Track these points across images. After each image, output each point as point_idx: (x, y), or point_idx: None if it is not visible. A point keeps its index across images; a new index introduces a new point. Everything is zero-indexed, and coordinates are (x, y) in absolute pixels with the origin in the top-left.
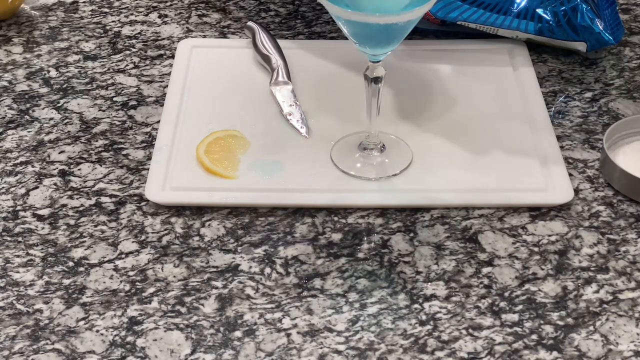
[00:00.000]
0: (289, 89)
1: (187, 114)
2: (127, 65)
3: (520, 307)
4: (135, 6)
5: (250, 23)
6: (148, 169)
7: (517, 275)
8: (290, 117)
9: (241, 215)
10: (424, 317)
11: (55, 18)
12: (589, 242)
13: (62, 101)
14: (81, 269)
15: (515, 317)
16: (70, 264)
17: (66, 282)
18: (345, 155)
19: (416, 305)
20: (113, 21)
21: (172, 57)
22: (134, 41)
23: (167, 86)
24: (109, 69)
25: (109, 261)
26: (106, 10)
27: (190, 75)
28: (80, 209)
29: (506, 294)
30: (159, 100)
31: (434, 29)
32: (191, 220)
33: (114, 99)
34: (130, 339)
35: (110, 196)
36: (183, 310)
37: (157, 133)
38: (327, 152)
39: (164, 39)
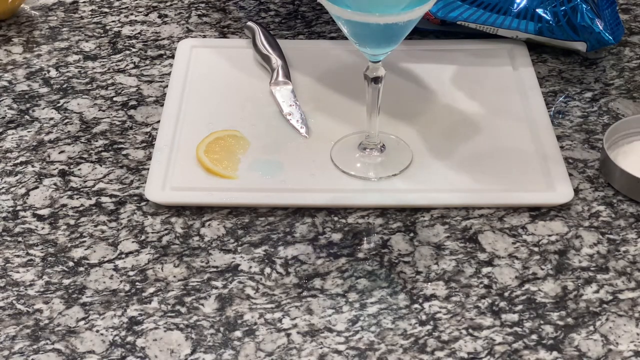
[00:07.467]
0: (289, 89)
1: (187, 114)
2: (127, 65)
3: (520, 307)
4: (135, 6)
5: (250, 23)
6: (148, 169)
7: (517, 275)
8: (290, 117)
9: (241, 215)
10: (424, 317)
11: (55, 18)
12: (589, 242)
13: (62, 101)
14: (81, 269)
15: (515, 317)
16: (70, 264)
17: (66, 282)
18: (345, 155)
19: (416, 305)
20: (113, 21)
21: (172, 57)
22: (134, 41)
23: (167, 86)
24: (109, 69)
25: (109, 261)
26: (106, 10)
27: (190, 75)
28: (80, 209)
29: (506, 294)
30: (159, 100)
31: (434, 29)
32: (191, 220)
33: (114, 99)
34: (130, 339)
35: (110, 196)
36: (183, 310)
37: (157, 133)
38: (327, 152)
39: (164, 39)
